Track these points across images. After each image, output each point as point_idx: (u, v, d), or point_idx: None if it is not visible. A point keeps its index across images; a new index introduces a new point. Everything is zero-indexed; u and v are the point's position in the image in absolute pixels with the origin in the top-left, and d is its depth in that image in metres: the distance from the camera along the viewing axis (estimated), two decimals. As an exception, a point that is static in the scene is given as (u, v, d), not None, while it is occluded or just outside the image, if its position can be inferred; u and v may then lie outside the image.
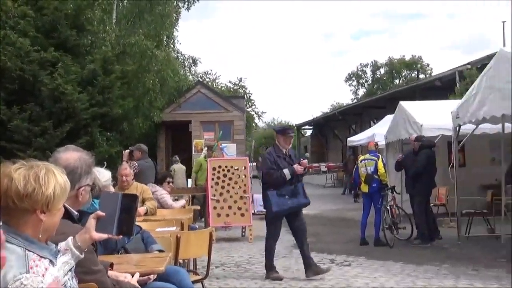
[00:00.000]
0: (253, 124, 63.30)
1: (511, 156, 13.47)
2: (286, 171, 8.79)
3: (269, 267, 9.24)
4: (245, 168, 13.89)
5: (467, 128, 12.47)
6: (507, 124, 11.41)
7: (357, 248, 12.04)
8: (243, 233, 14.12)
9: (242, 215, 13.35)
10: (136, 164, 11.70)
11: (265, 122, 77.33)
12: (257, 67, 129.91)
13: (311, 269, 9.05)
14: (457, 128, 12.42)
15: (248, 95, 45.97)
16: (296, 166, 8.91)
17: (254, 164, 24.81)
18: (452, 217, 14.06)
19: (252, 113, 57.63)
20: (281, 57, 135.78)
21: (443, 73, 29.23)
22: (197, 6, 39.13)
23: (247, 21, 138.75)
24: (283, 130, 9.38)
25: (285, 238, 13.91)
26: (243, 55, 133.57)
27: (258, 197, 14.92)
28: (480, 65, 22.40)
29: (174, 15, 24.25)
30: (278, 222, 9.24)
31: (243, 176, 13.68)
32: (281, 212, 8.94)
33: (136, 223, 4.71)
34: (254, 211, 14.02)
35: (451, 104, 13.69)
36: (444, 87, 27.35)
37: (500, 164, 12.78)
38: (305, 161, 9.38)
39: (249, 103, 51.30)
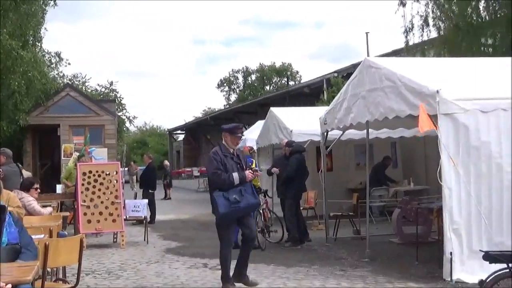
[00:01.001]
0: (125, 129, 62.17)
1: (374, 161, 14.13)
2: (235, 175, 8.19)
3: (225, 278, 8.47)
4: (116, 173, 13.63)
5: (334, 133, 12.94)
6: (371, 130, 11.94)
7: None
8: (115, 239, 13.84)
9: (114, 221, 13.08)
10: (1, 170, 11.18)
11: (137, 127, 76.26)
12: (128, 71, 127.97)
13: (241, 280, 8.56)
14: (325, 134, 12.85)
15: (119, 99, 45.03)
16: (247, 172, 8.34)
17: (126, 169, 24.37)
18: (321, 219, 14.51)
19: (124, 117, 56.54)
20: (152, 61, 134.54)
21: (312, 80, 30.18)
22: (66, 9, 37.94)
23: (119, 24, 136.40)
24: (232, 129, 8.64)
25: (158, 243, 13.86)
26: (114, 58, 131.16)
27: (130, 202, 14.71)
28: (346, 73, 23.35)
29: (40, 13, 23.26)
30: (229, 227, 8.44)
31: (115, 181, 13.41)
32: (229, 214, 8.14)
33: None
34: (126, 216, 13.75)
35: (320, 111, 14.16)
36: (312, 93, 28.25)
37: (364, 168, 13.36)
38: (260, 172, 8.91)
39: (120, 107, 50.22)
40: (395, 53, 23.42)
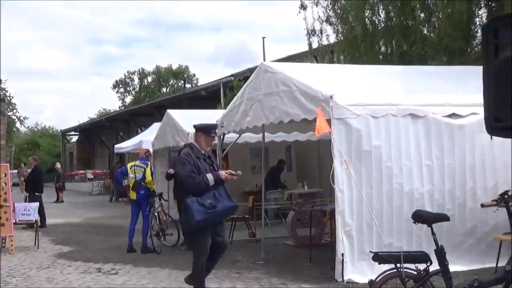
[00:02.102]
0: (15, 129, 59.82)
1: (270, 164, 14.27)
2: (209, 176, 7.56)
3: None
4: (5, 175, 13.03)
5: (231, 136, 12.98)
6: (267, 134, 12.07)
7: (125, 255, 11.90)
8: (3, 244, 13.23)
9: (2, 225, 12.51)
10: None
11: (28, 127, 73.55)
12: (19, 70, 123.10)
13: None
14: (222, 136, 12.87)
15: (8, 98, 43.31)
16: (221, 171, 7.82)
17: (16, 171, 23.39)
18: (216, 222, 14.49)
19: (14, 117, 54.45)
20: (45, 60, 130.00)
21: (208, 83, 30.16)
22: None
23: (8, 20, 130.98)
24: (206, 128, 8.05)
25: (49, 247, 13.38)
26: (3, 56, 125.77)
27: (20, 205, 14.12)
28: (242, 77, 23.49)
29: None
30: (204, 234, 7.61)
31: (3, 184, 12.83)
32: (205, 221, 7.41)
33: None
34: (15, 220, 13.19)
35: (216, 114, 14.16)
36: (209, 96, 28.23)
37: (260, 171, 13.49)
38: (236, 177, 7.97)
39: (10, 107, 48.31)
40: (297, 57, 23.75)
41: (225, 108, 14.62)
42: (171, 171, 13.15)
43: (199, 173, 7.53)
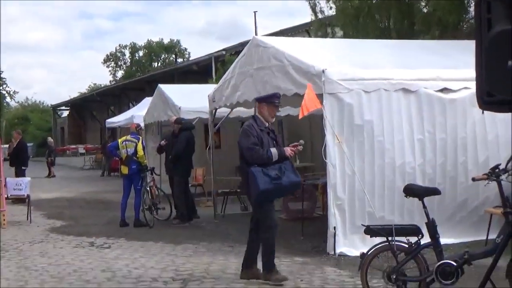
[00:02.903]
0: (5, 104, 59.53)
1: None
2: (273, 151, 7.18)
3: (272, 265, 7.33)
4: (-4, 150, 13.03)
5: (223, 111, 12.97)
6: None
7: (117, 230, 11.95)
8: (-5, 219, 13.25)
9: (-6, 200, 12.52)
10: None
11: (18, 102, 73.12)
12: (8, 44, 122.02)
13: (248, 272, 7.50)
14: (214, 111, 12.86)
15: (-2, 73, 43.03)
16: (286, 148, 7.44)
17: (7, 146, 23.33)
18: (209, 196, 14.57)
19: (4, 92, 54.17)
20: (35, 34, 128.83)
21: (200, 58, 30.03)
22: None
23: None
24: (268, 97, 7.62)
25: (42, 222, 13.41)
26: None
27: (11, 180, 14.12)
28: (234, 51, 23.40)
29: None
30: (269, 206, 7.27)
31: (-5, 159, 12.83)
32: (270, 192, 7.06)
33: None
34: (7, 195, 13.20)
35: (208, 88, 14.14)
36: (201, 71, 28.14)
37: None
38: (300, 147, 7.61)
39: (0, 82, 48.05)
40: (289, 31, 23.47)
41: (217, 82, 14.58)
42: (163, 143, 13.19)
43: (262, 146, 7.19)
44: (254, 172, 7.01)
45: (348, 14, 17.80)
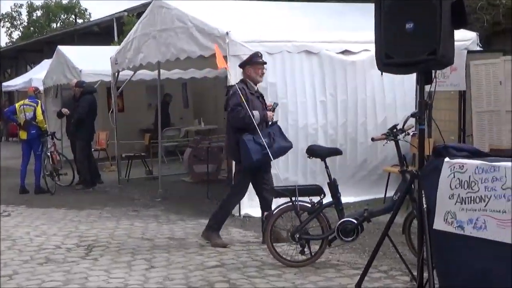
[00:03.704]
0: None
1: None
2: (257, 114, 7.04)
3: (219, 228, 7.36)
4: None
5: (126, 74, 12.70)
6: (162, 71, 11.88)
7: (17, 197, 11.55)
8: None
9: None
10: None
11: None
12: None
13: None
14: (116, 74, 12.56)
15: None
16: (268, 113, 7.27)
17: None
18: (113, 161, 14.35)
19: None
20: None
21: (101, 19, 29.15)
22: None
23: None
24: (250, 59, 7.31)
25: None
26: None
27: None
28: (137, 12, 22.84)
29: None
30: (249, 175, 7.24)
31: None
32: (262, 160, 6.95)
33: None
34: None
35: (111, 50, 13.77)
36: (102, 32, 27.37)
37: (156, 109, 13.36)
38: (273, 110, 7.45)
39: None
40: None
41: (119, 44, 14.21)
42: (65, 111, 12.78)
43: (252, 109, 7.01)
44: (246, 141, 6.89)
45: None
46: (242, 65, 7.47)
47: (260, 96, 7.42)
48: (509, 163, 4.36)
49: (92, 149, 13.48)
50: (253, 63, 7.29)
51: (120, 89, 13.31)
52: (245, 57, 8.57)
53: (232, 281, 5.78)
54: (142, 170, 13.64)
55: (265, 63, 7.45)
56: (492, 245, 4.33)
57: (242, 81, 7.34)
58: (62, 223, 8.93)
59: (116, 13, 26.42)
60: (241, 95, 7.01)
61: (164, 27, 10.04)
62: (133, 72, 12.54)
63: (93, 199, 11.08)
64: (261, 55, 7.39)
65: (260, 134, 6.93)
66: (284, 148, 7.23)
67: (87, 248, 7.33)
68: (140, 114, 17.38)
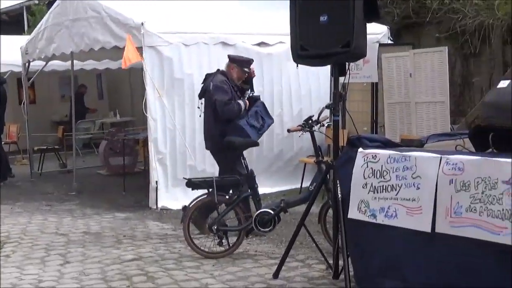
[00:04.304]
0: None
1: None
2: (241, 104, 7.10)
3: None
4: None
5: (37, 64, 12.29)
6: (76, 61, 11.59)
7: None
8: None
9: None
10: None
11: None
12: None
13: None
14: (27, 64, 12.13)
15: None
16: (246, 101, 7.23)
17: None
18: (24, 154, 13.87)
19: None
20: None
21: (10, 7, 28.11)
22: None
23: None
24: (241, 62, 7.34)
25: None
26: None
27: None
28: (48, 1, 22.17)
29: None
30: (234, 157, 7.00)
31: None
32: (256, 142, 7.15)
33: None
34: None
35: (21, 40, 13.30)
36: (12, 21, 26.41)
37: (70, 100, 13.03)
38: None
39: None
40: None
41: (30, 34, 13.72)
42: None
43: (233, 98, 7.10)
44: (243, 126, 6.95)
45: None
46: (231, 60, 7.38)
47: (238, 90, 7.35)
48: (418, 153, 4.50)
49: (2, 142, 12.98)
50: (241, 67, 7.28)
51: (31, 80, 12.85)
52: (161, 49, 8.55)
53: (150, 274, 5.72)
54: (55, 164, 13.25)
55: (248, 72, 7.43)
56: (402, 233, 4.46)
57: (223, 73, 7.27)
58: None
59: (25, 1, 25.56)
60: (226, 88, 7.03)
61: (77, 17, 9.78)
62: (45, 63, 12.14)
63: (4, 193, 10.62)
64: (252, 62, 7.43)
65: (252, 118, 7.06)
66: (270, 124, 7.38)
67: (-3, 245, 7.06)
68: (53, 106, 16.92)
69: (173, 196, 8.56)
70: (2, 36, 16.61)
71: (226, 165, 7.08)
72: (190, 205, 6.23)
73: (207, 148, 7.39)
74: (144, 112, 8.61)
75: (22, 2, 25.45)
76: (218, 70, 7.33)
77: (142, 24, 8.48)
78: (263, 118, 7.19)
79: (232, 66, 7.32)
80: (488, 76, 11.21)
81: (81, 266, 6.06)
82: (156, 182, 8.57)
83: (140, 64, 8.59)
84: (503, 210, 3.93)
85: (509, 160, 3.99)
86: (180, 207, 6.48)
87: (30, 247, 6.95)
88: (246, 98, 7.29)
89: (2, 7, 25.42)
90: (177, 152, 8.73)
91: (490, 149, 4.31)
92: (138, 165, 12.10)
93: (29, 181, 11.94)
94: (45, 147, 13.17)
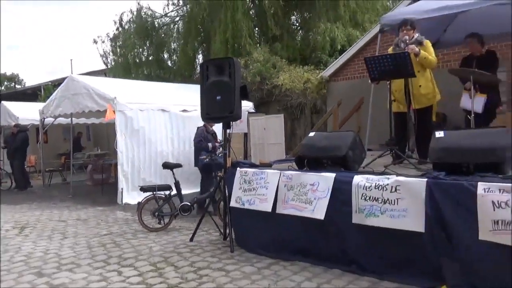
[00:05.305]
0: None
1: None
2: (210, 145, 7.19)
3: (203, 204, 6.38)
4: None
5: (49, 120, 11.39)
6: (74, 119, 10.89)
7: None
8: None
9: None
10: None
11: None
12: None
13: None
14: (43, 120, 11.19)
15: None
16: (216, 143, 7.28)
17: None
18: (39, 173, 12.70)
19: None
20: None
21: (33, 86, 25.95)
22: None
23: None
24: (210, 120, 6.37)
25: None
26: None
27: None
28: (58, 83, 20.67)
29: None
30: (205, 176, 7.24)
31: None
32: (208, 164, 7.06)
33: None
34: None
35: (37, 105, 12.28)
36: (32, 94, 24.45)
37: (69, 141, 12.15)
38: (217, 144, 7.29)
39: None
40: (95, 73, 21.70)
41: (44, 102, 12.71)
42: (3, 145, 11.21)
43: (207, 141, 7.21)
44: (203, 155, 7.07)
45: (124, 67, 17.45)
46: (205, 119, 6.90)
47: (213, 134, 7.47)
48: (269, 170, 4.62)
49: (26, 166, 11.83)
50: (207, 124, 7.26)
51: (45, 129, 11.88)
52: (126, 112, 8.22)
53: (117, 242, 5.37)
54: (59, 179, 12.26)
55: (211, 128, 7.47)
56: (257, 213, 4.52)
57: (204, 125, 7.31)
58: (1, 214, 7.68)
59: (43, 82, 23.72)
60: (202, 134, 7.27)
61: (74, 92, 9.22)
62: (54, 119, 11.28)
63: (25, 197, 9.69)
64: (213, 125, 7.36)
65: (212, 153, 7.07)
66: (220, 163, 6.95)
67: (20, 229, 6.37)
68: (58, 145, 15.69)
69: (132, 196, 8.15)
70: (26, 103, 15.28)
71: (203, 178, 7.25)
72: (142, 201, 5.97)
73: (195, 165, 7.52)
74: (115, 147, 8.22)
75: (41, 83, 23.61)
76: (203, 124, 7.35)
77: (115, 97, 8.14)
78: (216, 156, 7.16)
79: (205, 124, 7.29)
80: (304, 130, 11.76)
81: (74, 240, 5.60)
82: (122, 188, 8.15)
83: (113, 120, 8.21)
84: (307, 199, 4.10)
85: (314, 173, 4.17)
86: (136, 203, 6.19)
87: (41, 229, 6.33)
88: (215, 142, 7.33)
89: (27, 85, 23.33)
90: (135, 170, 8.36)
91: (305, 168, 4.50)
92: (111, 179, 11.44)
93: (41, 189, 10.92)
94: (53, 169, 12.14)
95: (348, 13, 14.52)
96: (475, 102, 5.09)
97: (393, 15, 6.06)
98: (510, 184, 2.97)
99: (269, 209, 4.34)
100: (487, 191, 3.02)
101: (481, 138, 3.40)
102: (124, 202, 8.12)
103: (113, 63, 18.27)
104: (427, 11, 5.50)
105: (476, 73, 4.98)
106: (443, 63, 8.28)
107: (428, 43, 5.08)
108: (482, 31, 5.81)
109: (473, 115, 4.94)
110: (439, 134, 3.64)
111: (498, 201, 2.99)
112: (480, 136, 3.45)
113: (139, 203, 6.01)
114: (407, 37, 5.05)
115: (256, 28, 15.53)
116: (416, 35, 5.10)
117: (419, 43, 5.03)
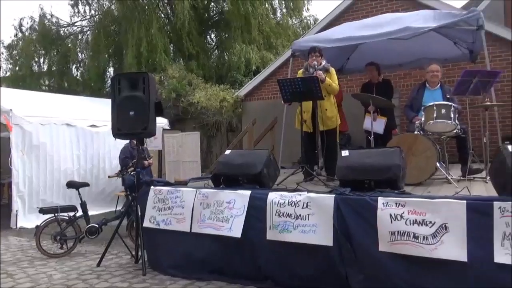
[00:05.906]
0: None
1: None
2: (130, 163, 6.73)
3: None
4: None
5: None
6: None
7: None
8: None
9: None
10: None
11: None
12: None
13: None
14: None
15: None
16: (145, 162, 7.26)
17: None
18: None
19: None
20: None
21: None
22: None
23: None
24: (132, 135, 5.38)
25: None
26: None
27: None
28: None
29: None
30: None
31: None
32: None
33: None
34: None
35: None
36: None
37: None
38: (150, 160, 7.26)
39: None
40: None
41: None
42: None
43: (132, 158, 6.89)
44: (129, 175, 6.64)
45: (22, 76, 16.13)
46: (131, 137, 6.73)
47: (137, 150, 6.87)
48: (184, 188, 4.51)
49: None
50: (132, 141, 6.87)
51: None
52: (24, 125, 7.46)
53: (10, 272, 4.73)
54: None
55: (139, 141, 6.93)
56: (174, 233, 4.37)
57: (130, 141, 7.02)
58: None
59: None
60: (126, 151, 7.10)
61: None
62: None
63: None
64: (136, 134, 6.90)
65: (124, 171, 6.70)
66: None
67: None
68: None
69: (29, 219, 7.30)
70: None
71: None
72: (41, 225, 5.38)
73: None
74: (9, 165, 7.32)
75: None
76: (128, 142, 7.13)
77: (11, 110, 7.31)
78: (144, 175, 6.90)
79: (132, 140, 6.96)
80: (220, 148, 11.81)
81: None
82: (17, 210, 7.26)
83: (8, 134, 7.34)
84: (224, 217, 4.09)
85: (230, 190, 4.18)
86: (34, 226, 5.55)
87: None
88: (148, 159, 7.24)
89: None
90: (33, 190, 7.53)
91: (221, 185, 4.49)
92: (3, 200, 10.12)
93: None
94: None
95: (262, 36, 15.17)
96: (377, 124, 5.63)
97: (303, 41, 6.45)
98: (405, 198, 3.29)
99: (188, 229, 4.22)
100: (386, 205, 3.31)
101: (379, 157, 3.73)
102: (19, 226, 7.23)
103: (8, 73, 16.60)
104: (334, 40, 5.98)
105: (376, 98, 5.50)
106: (347, 88, 9.01)
107: (333, 71, 5.55)
108: (379, 61, 6.50)
109: (372, 136, 5.43)
110: (345, 153, 3.93)
111: (394, 214, 3.28)
112: (378, 155, 3.78)
113: (37, 226, 5.40)
114: (315, 62, 5.46)
115: (172, 45, 15.36)
116: (324, 62, 5.53)
117: (326, 70, 5.46)
